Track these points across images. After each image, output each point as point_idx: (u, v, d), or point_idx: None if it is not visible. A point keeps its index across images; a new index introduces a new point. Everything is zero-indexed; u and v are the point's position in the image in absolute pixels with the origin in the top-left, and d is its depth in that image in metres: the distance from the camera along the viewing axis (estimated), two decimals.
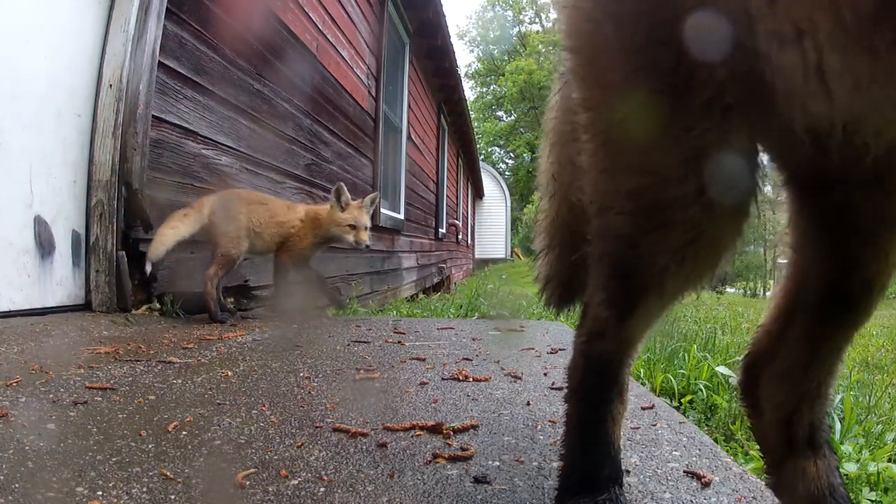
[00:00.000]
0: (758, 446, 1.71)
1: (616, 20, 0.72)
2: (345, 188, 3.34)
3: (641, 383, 2.06)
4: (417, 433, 1.21)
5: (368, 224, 3.33)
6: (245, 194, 3.29)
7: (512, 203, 28.18)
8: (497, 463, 1.07)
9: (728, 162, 0.69)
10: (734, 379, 2.34)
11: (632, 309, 0.81)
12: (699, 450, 1.17)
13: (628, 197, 0.76)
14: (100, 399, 1.31)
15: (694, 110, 0.68)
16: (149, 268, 2.70)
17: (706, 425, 2.10)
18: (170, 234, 2.77)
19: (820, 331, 0.82)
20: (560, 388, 1.66)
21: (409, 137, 8.42)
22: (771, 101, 0.63)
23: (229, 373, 1.65)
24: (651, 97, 0.71)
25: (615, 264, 0.80)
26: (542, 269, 1.25)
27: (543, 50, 39.61)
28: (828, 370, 0.83)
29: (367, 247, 3.33)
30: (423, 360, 2.01)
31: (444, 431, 1.22)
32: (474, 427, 1.26)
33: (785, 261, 0.86)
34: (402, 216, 7.71)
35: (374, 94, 6.26)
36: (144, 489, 0.88)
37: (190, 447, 1.07)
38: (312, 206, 3.47)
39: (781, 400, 0.85)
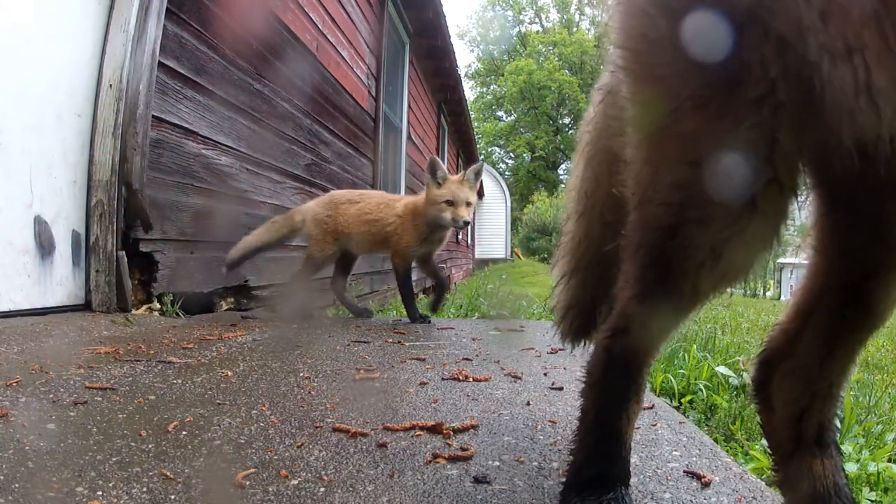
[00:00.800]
0: (765, 442, 1.71)
1: (671, 15, 0.73)
2: (439, 162, 2.99)
3: None
4: (417, 433, 1.21)
5: (472, 199, 2.95)
6: (340, 195, 3.26)
7: (512, 203, 28.18)
8: (497, 463, 1.07)
9: (774, 160, 0.70)
10: (734, 379, 2.34)
11: (663, 305, 0.81)
12: (699, 450, 1.17)
13: (671, 188, 0.76)
14: (100, 399, 1.31)
15: (744, 105, 0.69)
16: (224, 270, 2.84)
17: (706, 425, 2.11)
18: (249, 240, 2.95)
19: (837, 332, 0.83)
20: (560, 388, 1.66)
21: (409, 137, 8.42)
22: (819, 109, 0.64)
23: (229, 373, 1.65)
24: (703, 91, 0.71)
25: (652, 256, 0.80)
26: (562, 296, 1.18)
27: (543, 50, 39.62)
28: (840, 371, 0.84)
29: (466, 223, 2.94)
30: (423, 360, 2.01)
31: (444, 431, 1.22)
32: (474, 427, 1.26)
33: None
34: None
35: (374, 94, 6.26)
36: (144, 489, 0.88)
37: (190, 447, 1.07)
38: (413, 197, 3.23)
39: (794, 397, 0.86)
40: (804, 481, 0.83)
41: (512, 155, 42.43)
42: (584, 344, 1.22)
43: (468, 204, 2.94)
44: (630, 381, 0.86)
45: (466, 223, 2.95)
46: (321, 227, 3.07)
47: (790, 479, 0.86)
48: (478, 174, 3.04)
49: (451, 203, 2.91)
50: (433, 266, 3.24)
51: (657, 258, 0.79)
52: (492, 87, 42.89)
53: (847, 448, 1.74)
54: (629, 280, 0.84)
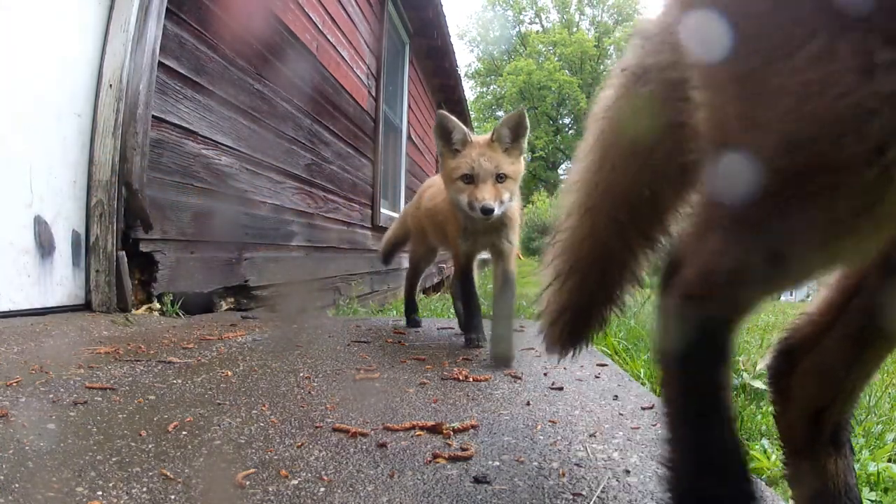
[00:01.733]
0: (765, 442, 1.70)
1: None
2: (450, 118, 1.96)
3: (641, 383, 2.06)
4: (417, 433, 1.21)
5: (505, 169, 1.92)
6: (431, 180, 2.69)
7: None
8: (497, 463, 1.07)
9: None
10: (734, 379, 2.34)
11: (759, 281, 0.68)
12: None
13: (779, 148, 0.59)
14: (100, 399, 1.31)
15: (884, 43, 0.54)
16: (383, 266, 2.95)
17: None
18: (388, 235, 3.01)
19: (870, 334, 0.78)
20: (560, 388, 1.66)
21: (409, 137, 8.42)
22: None
23: (229, 373, 1.65)
24: (826, 22, 0.56)
25: (747, 230, 0.66)
26: (555, 298, 1.03)
27: (543, 50, 39.64)
28: (866, 374, 0.81)
29: (487, 211, 1.89)
30: (423, 360, 2.01)
31: (444, 431, 1.22)
32: (474, 427, 1.26)
33: None
34: None
35: (374, 94, 6.26)
36: (144, 489, 0.88)
37: (190, 447, 1.07)
38: None
39: (815, 393, 0.82)
40: (816, 479, 0.81)
41: None
42: (576, 351, 1.09)
43: (499, 178, 1.91)
44: (719, 350, 0.72)
45: (487, 211, 1.88)
46: (413, 221, 2.72)
47: (801, 476, 0.83)
48: (516, 129, 1.94)
49: (468, 179, 1.92)
50: (494, 283, 2.19)
51: (755, 235, 0.65)
52: (492, 87, 42.89)
53: None
54: (713, 248, 0.69)
